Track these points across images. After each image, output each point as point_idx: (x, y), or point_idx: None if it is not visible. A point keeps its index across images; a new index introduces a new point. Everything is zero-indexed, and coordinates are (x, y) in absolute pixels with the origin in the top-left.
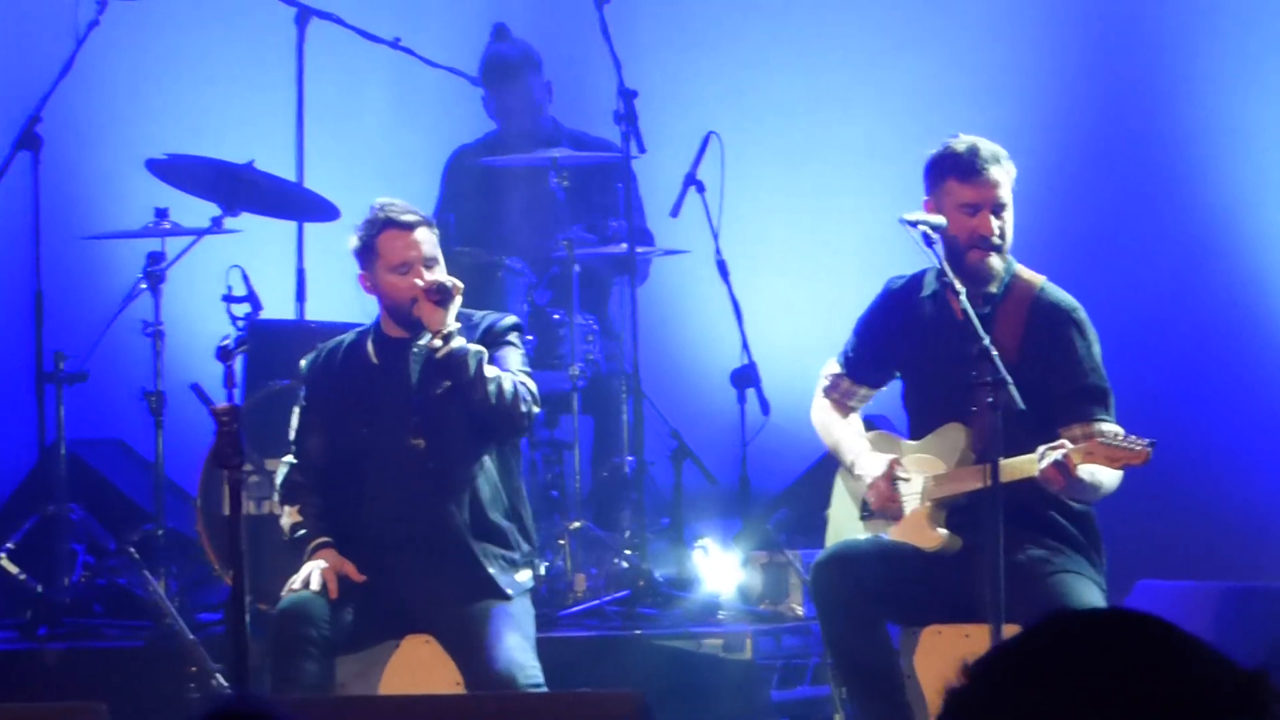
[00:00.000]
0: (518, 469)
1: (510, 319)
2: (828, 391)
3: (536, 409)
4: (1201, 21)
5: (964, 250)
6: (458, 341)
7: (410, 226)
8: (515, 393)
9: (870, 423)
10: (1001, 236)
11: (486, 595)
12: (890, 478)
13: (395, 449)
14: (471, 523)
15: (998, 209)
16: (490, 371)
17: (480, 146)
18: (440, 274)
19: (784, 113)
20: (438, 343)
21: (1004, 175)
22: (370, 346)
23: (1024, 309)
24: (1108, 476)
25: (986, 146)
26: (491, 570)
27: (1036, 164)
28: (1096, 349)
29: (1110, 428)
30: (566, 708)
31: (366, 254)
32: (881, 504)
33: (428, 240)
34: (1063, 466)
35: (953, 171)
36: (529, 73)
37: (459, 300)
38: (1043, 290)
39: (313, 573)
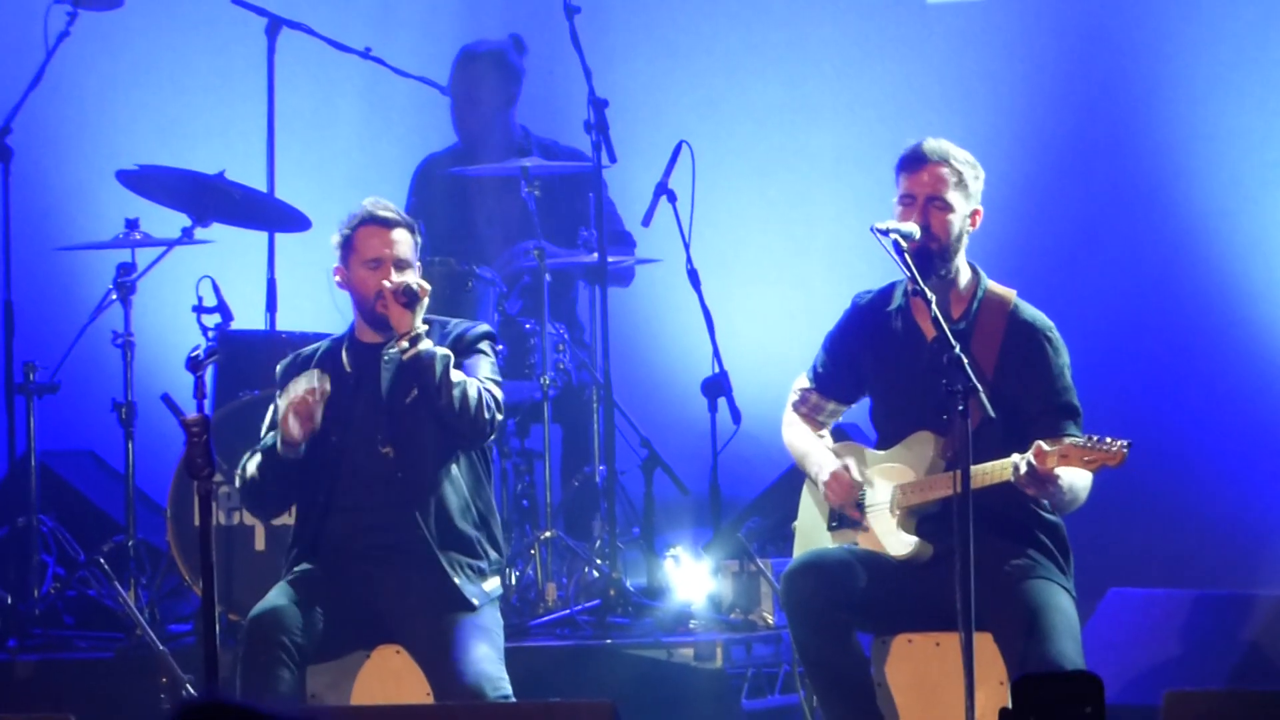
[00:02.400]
0: (486, 478)
1: (482, 327)
2: (797, 406)
3: (500, 416)
4: (1174, 29)
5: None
6: (425, 344)
7: (389, 224)
8: (480, 399)
9: (841, 431)
10: (930, 232)
11: (454, 606)
12: (843, 467)
13: (365, 457)
14: (438, 532)
15: (929, 201)
16: (456, 376)
17: (449, 155)
18: (410, 277)
19: (755, 122)
20: (404, 344)
21: (947, 173)
22: (344, 355)
23: (1000, 326)
24: (1082, 484)
25: (934, 143)
26: (458, 580)
27: (1010, 172)
28: (1068, 367)
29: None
30: (538, 717)
31: (344, 247)
32: (842, 496)
33: (404, 241)
34: (1037, 470)
35: (899, 166)
36: (488, 66)
37: (426, 302)
38: (1016, 307)
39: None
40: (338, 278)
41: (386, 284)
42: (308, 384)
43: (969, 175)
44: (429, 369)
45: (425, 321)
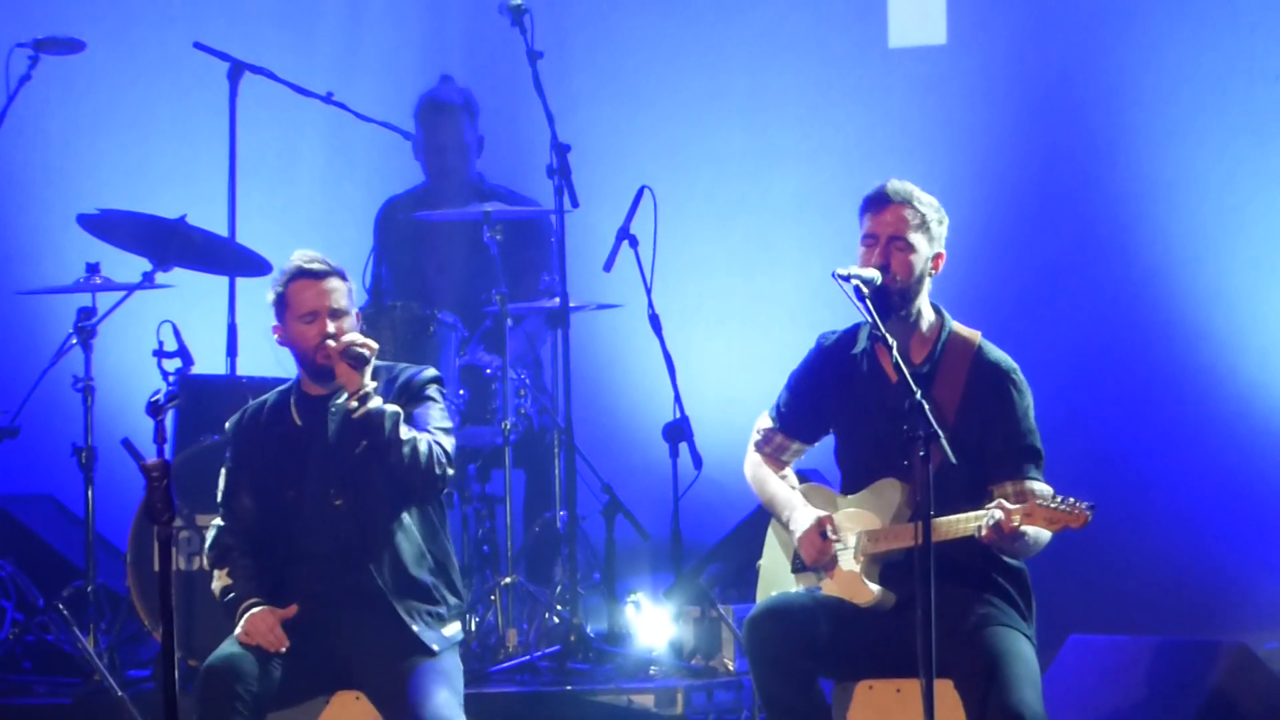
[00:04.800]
0: (442, 524)
1: (430, 372)
2: (760, 446)
3: (451, 471)
4: (1136, 77)
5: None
6: (374, 402)
7: (319, 275)
8: (430, 454)
9: (803, 476)
10: (889, 270)
11: (414, 651)
12: (821, 530)
13: (319, 509)
14: (393, 580)
15: (891, 241)
16: (406, 433)
17: (410, 198)
18: (352, 332)
19: (717, 167)
20: (354, 404)
21: (910, 214)
22: (293, 407)
23: (964, 368)
24: (1044, 535)
25: (898, 185)
26: (416, 627)
27: (972, 217)
28: (1032, 409)
29: (1040, 486)
30: None
31: (279, 305)
32: (815, 557)
33: (338, 290)
34: (1003, 527)
35: (863, 207)
36: (464, 115)
37: (373, 362)
38: (981, 349)
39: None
40: (276, 335)
41: (332, 344)
42: (267, 637)
43: (932, 218)
44: (379, 427)
45: (374, 368)
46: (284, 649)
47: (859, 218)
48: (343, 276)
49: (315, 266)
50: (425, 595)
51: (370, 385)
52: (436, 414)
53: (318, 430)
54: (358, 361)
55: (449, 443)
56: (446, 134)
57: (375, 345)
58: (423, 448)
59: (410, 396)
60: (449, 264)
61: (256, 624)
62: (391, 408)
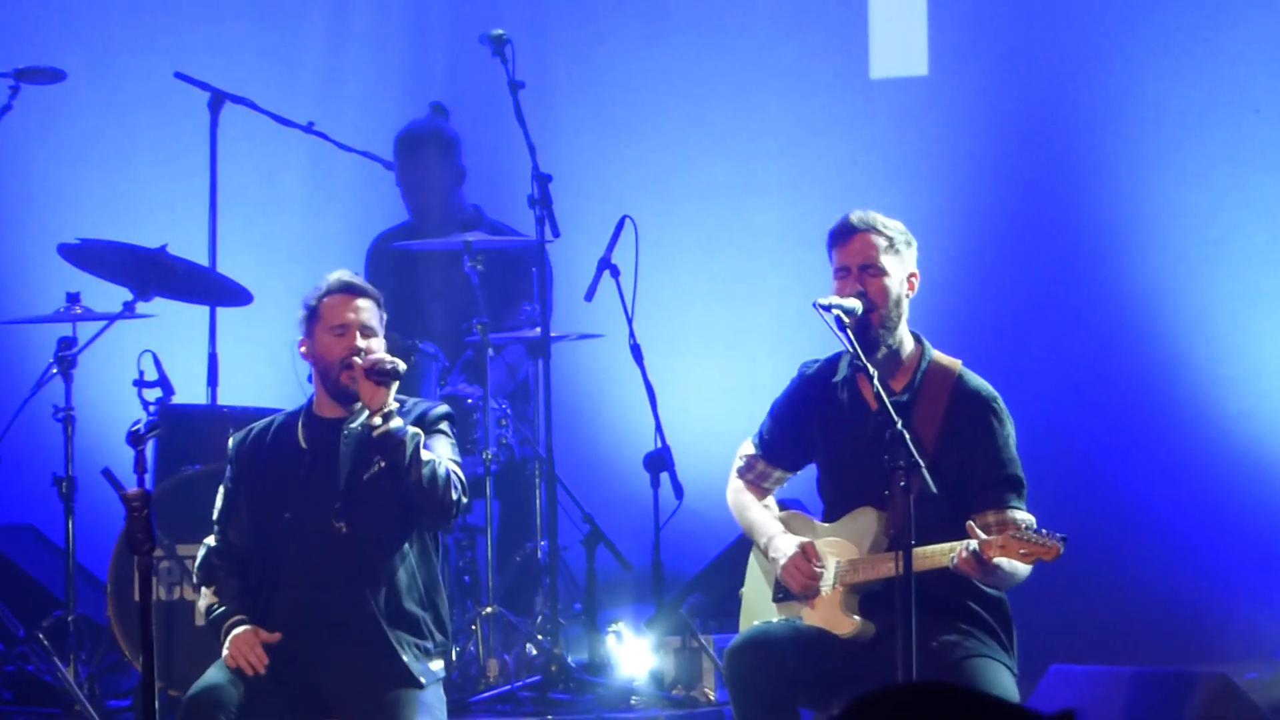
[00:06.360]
0: (437, 558)
1: (443, 408)
2: (742, 473)
3: (466, 499)
4: (1117, 108)
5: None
6: (396, 421)
7: (355, 292)
8: (448, 479)
9: (784, 505)
10: (867, 297)
11: (401, 683)
12: (804, 557)
13: (317, 533)
14: (387, 610)
15: (863, 269)
16: (426, 456)
17: (399, 231)
18: (381, 351)
19: (699, 197)
20: (377, 421)
21: (876, 239)
22: (300, 430)
23: (944, 396)
24: (1022, 565)
25: (858, 214)
26: (406, 658)
27: (953, 247)
28: (1013, 438)
29: (1023, 516)
30: None
31: (309, 318)
32: (801, 584)
33: (370, 310)
34: (978, 558)
35: (829, 241)
36: (432, 149)
37: (399, 381)
38: (961, 377)
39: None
40: (302, 349)
41: (358, 360)
42: (248, 656)
43: (899, 240)
44: (400, 447)
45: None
46: (263, 670)
47: (828, 253)
48: (378, 301)
49: (353, 283)
50: (414, 628)
51: (393, 405)
52: (447, 447)
53: (323, 453)
54: (384, 378)
55: (462, 475)
56: (418, 171)
57: (404, 365)
58: (441, 471)
59: (421, 429)
60: (436, 294)
61: (239, 644)
62: (413, 429)
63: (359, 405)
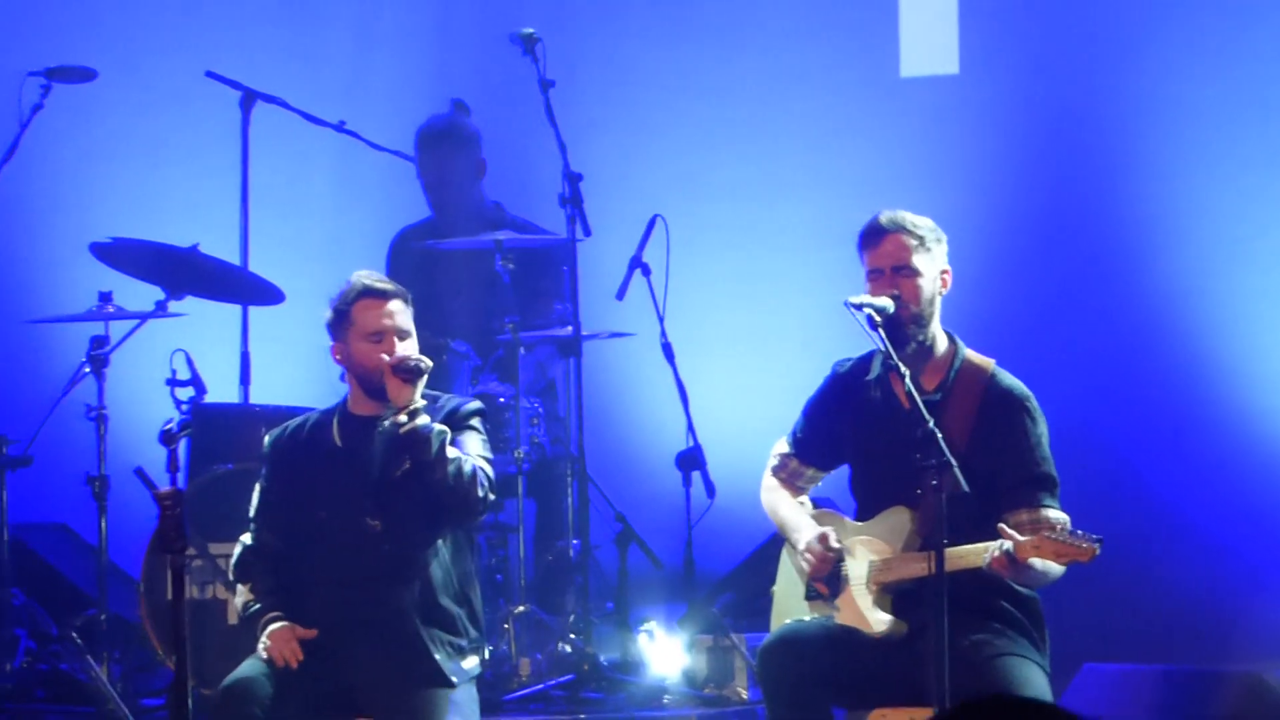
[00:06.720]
0: (470, 554)
1: (474, 404)
2: (776, 471)
3: (493, 496)
4: (1146, 106)
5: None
6: (422, 419)
7: (386, 296)
8: (474, 476)
9: (816, 504)
10: (901, 299)
11: (433, 682)
12: (822, 540)
13: (350, 531)
14: (421, 607)
15: (896, 271)
16: (451, 453)
17: (422, 228)
18: (411, 349)
19: (729, 196)
20: (403, 418)
21: (907, 239)
22: (335, 427)
23: (976, 395)
24: (1056, 565)
25: (887, 214)
26: (438, 656)
27: (983, 246)
28: (1046, 437)
29: (1057, 515)
30: None
31: (340, 323)
32: (817, 568)
33: (402, 312)
34: (1011, 558)
35: (860, 243)
36: (451, 143)
37: (425, 378)
38: (994, 376)
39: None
40: (336, 355)
41: (386, 358)
42: (283, 651)
43: (930, 238)
44: (425, 443)
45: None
46: (296, 664)
47: (859, 255)
48: (405, 299)
49: (382, 286)
50: (449, 625)
51: (420, 402)
52: (477, 443)
53: (358, 451)
54: (411, 375)
55: (491, 470)
56: (436, 167)
57: (430, 362)
58: (467, 469)
59: (453, 425)
60: (462, 292)
61: (276, 638)
62: (439, 426)
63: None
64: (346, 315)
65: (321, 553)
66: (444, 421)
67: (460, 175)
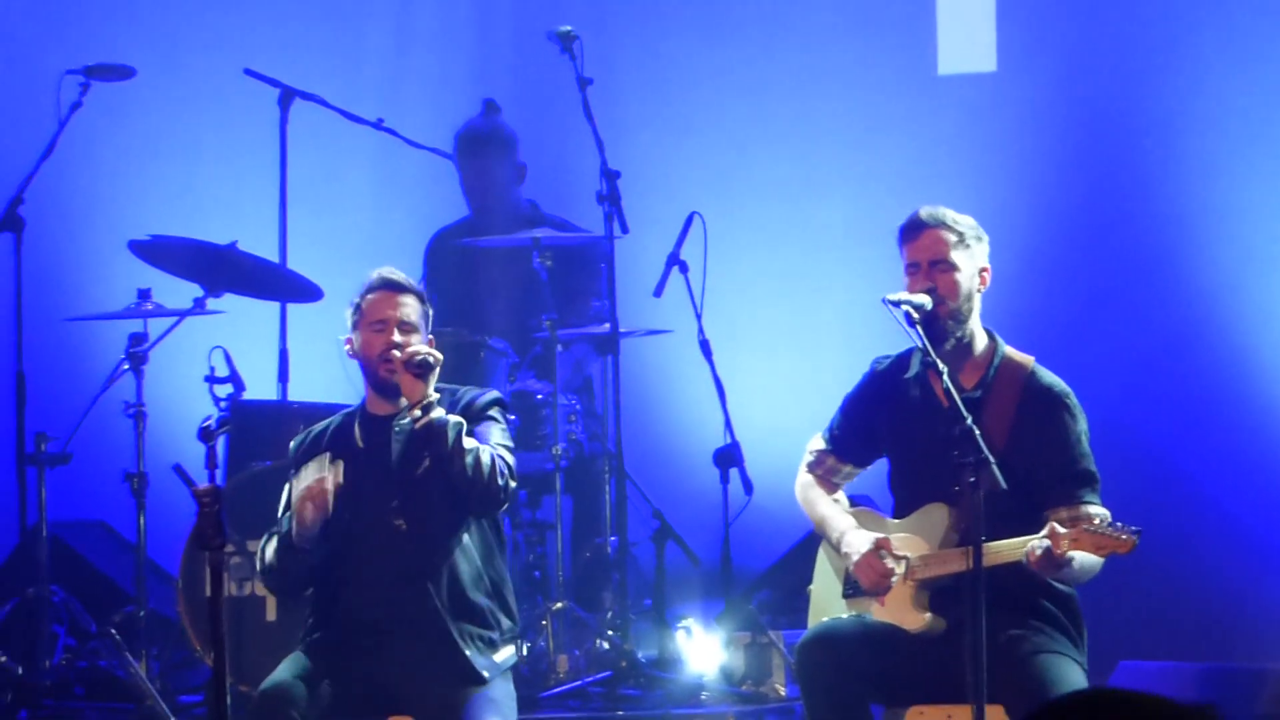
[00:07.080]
0: (499, 546)
1: (492, 394)
2: (812, 467)
3: (514, 484)
4: (1185, 104)
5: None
6: (437, 412)
7: (396, 288)
8: (493, 465)
9: (853, 501)
10: (937, 293)
11: (466, 679)
12: (879, 553)
13: (377, 531)
14: (450, 603)
15: (933, 265)
16: (469, 444)
17: (460, 228)
18: (419, 344)
19: (767, 194)
20: (417, 413)
21: (946, 234)
22: (356, 429)
23: (1016, 392)
24: (1093, 560)
25: (928, 209)
26: (469, 653)
27: (1021, 244)
28: (1086, 433)
29: (1097, 510)
30: None
31: (354, 315)
32: (874, 581)
33: (411, 306)
34: (1049, 554)
35: (900, 238)
36: (494, 149)
37: (438, 371)
38: (1034, 373)
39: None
40: (347, 347)
41: (397, 354)
42: (318, 471)
43: (970, 235)
44: (441, 437)
45: (435, 390)
46: (337, 487)
47: (899, 249)
48: (421, 298)
49: (395, 279)
50: (480, 619)
51: (434, 396)
52: (497, 433)
53: (379, 452)
54: (422, 370)
55: (511, 459)
56: (479, 171)
57: (440, 355)
58: (485, 459)
59: (471, 417)
60: (500, 290)
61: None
62: (454, 418)
63: (404, 400)
64: (359, 307)
65: (349, 554)
66: (461, 413)
67: (503, 182)
